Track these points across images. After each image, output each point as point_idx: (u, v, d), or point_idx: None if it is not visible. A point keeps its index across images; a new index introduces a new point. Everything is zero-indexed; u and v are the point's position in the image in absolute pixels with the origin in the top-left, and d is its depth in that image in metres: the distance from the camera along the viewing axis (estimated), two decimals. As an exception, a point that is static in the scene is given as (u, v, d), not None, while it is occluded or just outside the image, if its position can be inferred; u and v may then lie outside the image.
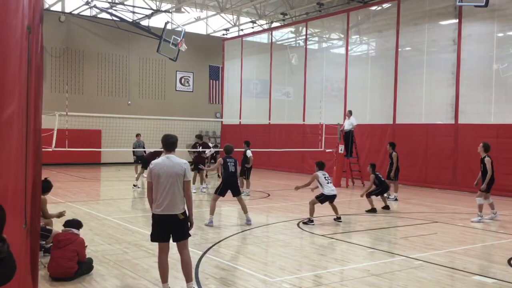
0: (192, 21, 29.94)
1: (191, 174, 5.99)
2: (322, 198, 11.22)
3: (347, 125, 19.03)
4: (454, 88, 18.35)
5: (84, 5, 25.31)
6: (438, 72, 19.34)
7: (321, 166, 11.52)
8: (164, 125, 22.77)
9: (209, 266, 7.29)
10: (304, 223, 10.97)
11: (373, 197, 13.04)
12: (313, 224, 10.86)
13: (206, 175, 18.17)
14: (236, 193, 11.05)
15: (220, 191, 10.98)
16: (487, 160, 12.12)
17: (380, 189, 13.12)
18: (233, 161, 11.08)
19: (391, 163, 15.36)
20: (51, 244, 7.08)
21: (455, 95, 18.29)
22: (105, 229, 10.15)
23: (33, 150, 4.33)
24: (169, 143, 6.05)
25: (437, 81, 19.29)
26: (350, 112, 19.24)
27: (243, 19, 31.95)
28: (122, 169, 24.29)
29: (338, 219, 11.32)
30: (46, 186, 7.84)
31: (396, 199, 14.98)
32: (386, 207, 13.21)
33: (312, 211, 11.07)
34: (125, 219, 11.38)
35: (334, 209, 11.37)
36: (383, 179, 13.27)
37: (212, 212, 10.83)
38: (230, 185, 11.01)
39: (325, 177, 11.29)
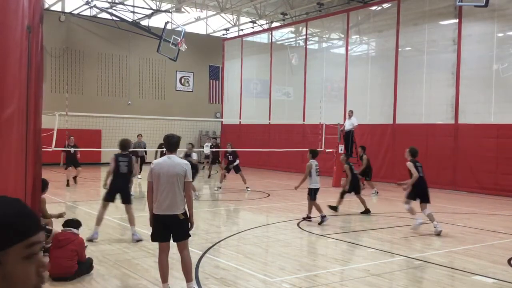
0: (192, 21, 29.94)
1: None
2: (313, 194, 11.15)
3: (348, 125, 18.99)
4: (454, 88, 18.34)
5: (84, 5, 25.30)
6: (438, 72, 19.34)
7: (314, 154, 11.47)
8: (164, 125, 22.77)
9: (209, 266, 7.29)
10: (320, 223, 10.79)
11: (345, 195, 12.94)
12: (327, 219, 10.85)
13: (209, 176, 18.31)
14: (125, 200, 9.18)
15: (106, 196, 9.21)
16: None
17: (352, 185, 12.70)
18: (127, 160, 9.16)
19: (365, 164, 16.57)
20: (51, 244, 7.08)
21: (455, 95, 18.28)
22: (105, 229, 10.15)
23: (33, 150, 4.33)
24: (171, 143, 6.04)
25: (437, 81, 19.28)
26: (351, 112, 19.19)
27: (243, 19, 31.95)
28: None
29: (322, 218, 11.11)
30: (43, 185, 7.83)
31: (377, 193, 16.37)
32: (367, 211, 12.55)
33: (318, 208, 10.95)
34: (125, 219, 11.36)
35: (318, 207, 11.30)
36: (355, 171, 13.09)
37: (98, 222, 9.01)
38: (119, 189, 9.10)
39: (316, 168, 11.27)
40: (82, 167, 17.89)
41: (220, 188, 17.11)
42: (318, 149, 11.80)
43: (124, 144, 9.27)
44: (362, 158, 16.71)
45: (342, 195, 12.79)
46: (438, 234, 9.82)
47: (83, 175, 18.85)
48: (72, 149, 16.76)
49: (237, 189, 17.19)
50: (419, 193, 10.26)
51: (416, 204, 10.28)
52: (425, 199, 10.23)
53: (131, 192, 13.89)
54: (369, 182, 16.74)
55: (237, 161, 17.16)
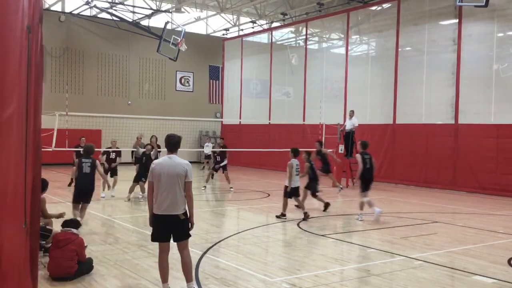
0: (192, 21, 29.94)
1: (192, 174, 5.98)
2: (290, 192, 11.42)
3: (349, 125, 18.95)
4: (454, 88, 18.35)
5: (84, 5, 25.30)
6: (438, 72, 19.34)
7: (296, 153, 11.67)
8: (164, 125, 22.75)
9: (209, 266, 7.29)
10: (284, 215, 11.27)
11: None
12: (285, 218, 11.27)
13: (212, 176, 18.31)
14: (87, 199, 9.63)
15: (74, 198, 9.63)
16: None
17: (311, 182, 12.64)
18: (90, 162, 9.66)
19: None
20: (51, 244, 7.08)
21: (455, 95, 18.28)
22: (105, 229, 10.15)
23: (33, 150, 4.33)
24: (172, 143, 6.04)
25: (437, 81, 19.29)
26: (353, 112, 19.07)
27: (243, 19, 31.95)
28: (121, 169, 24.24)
29: (305, 215, 11.39)
30: (43, 185, 7.83)
31: (341, 188, 16.64)
32: (327, 205, 12.65)
33: (284, 205, 11.42)
34: (125, 219, 11.38)
35: (300, 203, 11.67)
36: (316, 170, 12.96)
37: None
38: (82, 191, 9.56)
39: (297, 168, 11.52)
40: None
41: (205, 187, 17.11)
42: (298, 149, 12.06)
43: (87, 150, 9.92)
44: (321, 153, 15.76)
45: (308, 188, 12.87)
46: (358, 220, 11.27)
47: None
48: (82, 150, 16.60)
49: (237, 189, 17.19)
50: (367, 182, 11.29)
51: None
52: (366, 188, 11.33)
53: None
54: (330, 177, 16.82)
55: (225, 162, 17.33)
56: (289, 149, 12.03)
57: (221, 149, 17.81)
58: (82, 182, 9.61)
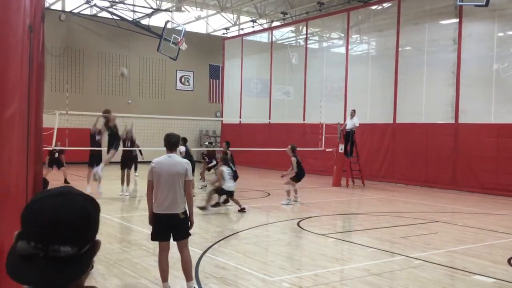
0: (192, 20, 29.92)
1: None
2: (220, 191, 11.97)
3: (350, 124, 18.90)
4: (454, 88, 18.34)
5: (84, 4, 25.30)
6: (438, 72, 19.33)
7: (225, 161, 12.04)
8: (164, 124, 22.73)
9: (209, 265, 7.29)
10: (201, 208, 11.62)
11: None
12: (207, 211, 11.64)
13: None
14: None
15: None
16: (292, 159, 13.62)
17: (297, 177, 13.67)
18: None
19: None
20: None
21: (455, 95, 18.28)
22: (105, 228, 10.16)
23: (34, 149, 4.34)
24: (171, 143, 6.05)
25: (437, 80, 19.28)
26: (354, 112, 18.92)
27: (244, 18, 31.95)
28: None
29: (242, 210, 11.89)
30: (44, 185, 7.83)
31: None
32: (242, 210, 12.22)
33: (209, 200, 11.94)
34: (125, 218, 11.39)
35: (236, 202, 12.07)
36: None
37: None
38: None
39: (228, 172, 11.91)
40: (82, 166, 17.88)
41: (206, 186, 17.10)
42: (227, 157, 12.84)
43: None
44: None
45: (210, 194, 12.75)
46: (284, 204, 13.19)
47: (83, 174, 18.86)
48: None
49: (237, 189, 17.16)
50: (299, 179, 13.67)
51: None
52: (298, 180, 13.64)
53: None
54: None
55: (213, 162, 17.36)
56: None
57: (207, 149, 17.88)
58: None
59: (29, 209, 1.31)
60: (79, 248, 1.29)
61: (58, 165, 17.64)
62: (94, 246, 1.37)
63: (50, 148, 15.86)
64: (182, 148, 14.75)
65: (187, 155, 15.16)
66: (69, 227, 1.28)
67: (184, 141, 14.94)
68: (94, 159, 14.55)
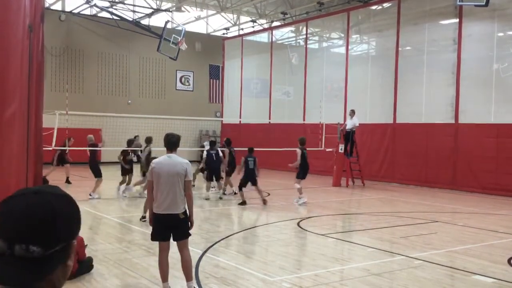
0: (193, 20, 29.93)
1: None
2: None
3: (350, 124, 18.89)
4: (454, 88, 18.35)
5: (84, 4, 25.30)
6: (438, 72, 19.34)
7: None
8: (164, 124, 22.74)
9: (209, 265, 7.29)
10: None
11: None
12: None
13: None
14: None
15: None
16: (297, 151, 13.92)
17: (302, 171, 13.97)
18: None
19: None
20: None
21: (455, 95, 18.28)
22: (105, 228, 10.16)
23: (34, 149, 4.34)
24: (171, 143, 6.04)
25: (437, 81, 19.29)
26: (353, 112, 18.89)
27: (244, 18, 31.96)
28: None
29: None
30: (43, 184, 7.84)
31: (224, 194, 15.34)
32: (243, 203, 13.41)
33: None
34: (125, 218, 11.39)
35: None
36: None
37: None
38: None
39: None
40: (82, 166, 17.90)
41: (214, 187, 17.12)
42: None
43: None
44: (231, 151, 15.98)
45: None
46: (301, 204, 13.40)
47: (83, 174, 18.88)
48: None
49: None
50: (304, 173, 13.80)
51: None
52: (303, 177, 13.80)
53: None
54: (228, 179, 15.87)
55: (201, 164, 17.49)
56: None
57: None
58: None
59: (1, 207, 1.29)
60: (45, 248, 1.24)
61: (62, 162, 17.61)
62: (69, 248, 1.31)
63: (60, 147, 16.03)
64: (226, 150, 15.44)
65: (231, 156, 15.43)
66: (32, 227, 1.24)
67: (228, 143, 15.87)
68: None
